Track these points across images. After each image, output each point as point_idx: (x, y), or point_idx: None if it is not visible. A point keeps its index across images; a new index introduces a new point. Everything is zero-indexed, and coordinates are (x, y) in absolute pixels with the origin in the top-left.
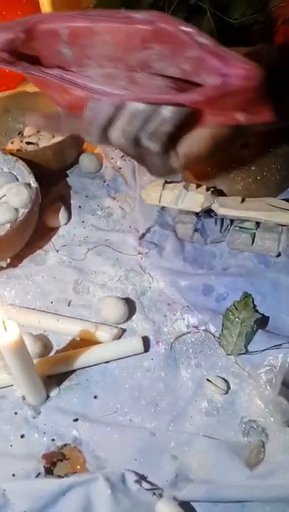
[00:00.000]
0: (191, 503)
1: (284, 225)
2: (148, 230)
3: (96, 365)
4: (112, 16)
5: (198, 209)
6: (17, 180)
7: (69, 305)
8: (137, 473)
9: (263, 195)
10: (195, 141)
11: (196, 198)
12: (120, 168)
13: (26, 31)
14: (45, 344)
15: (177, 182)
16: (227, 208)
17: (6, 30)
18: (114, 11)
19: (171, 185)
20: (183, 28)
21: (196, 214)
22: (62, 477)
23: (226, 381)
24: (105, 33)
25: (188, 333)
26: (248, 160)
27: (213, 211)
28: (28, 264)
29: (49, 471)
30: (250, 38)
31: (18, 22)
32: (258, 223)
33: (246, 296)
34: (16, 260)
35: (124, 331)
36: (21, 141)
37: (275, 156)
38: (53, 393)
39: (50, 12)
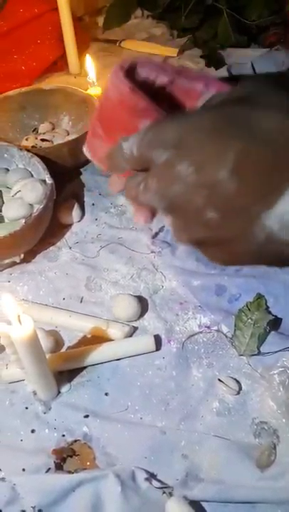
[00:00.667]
0: (201, 502)
1: None
2: (161, 229)
3: (107, 362)
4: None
5: None
6: (32, 176)
7: (81, 302)
8: (147, 472)
9: None
10: None
11: None
12: None
13: (172, 81)
14: (57, 340)
15: None
16: None
17: (162, 73)
18: None
19: None
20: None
21: None
22: (72, 473)
23: (237, 382)
24: None
25: (200, 332)
26: None
27: None
28: (41, 260)
29: (59, 467)
30: (267, 39)
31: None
32: None
33: (259, 297)
34: (29, 256)
35: (135, 329)
36: (36, 138)
37: None
38: (64, 389)
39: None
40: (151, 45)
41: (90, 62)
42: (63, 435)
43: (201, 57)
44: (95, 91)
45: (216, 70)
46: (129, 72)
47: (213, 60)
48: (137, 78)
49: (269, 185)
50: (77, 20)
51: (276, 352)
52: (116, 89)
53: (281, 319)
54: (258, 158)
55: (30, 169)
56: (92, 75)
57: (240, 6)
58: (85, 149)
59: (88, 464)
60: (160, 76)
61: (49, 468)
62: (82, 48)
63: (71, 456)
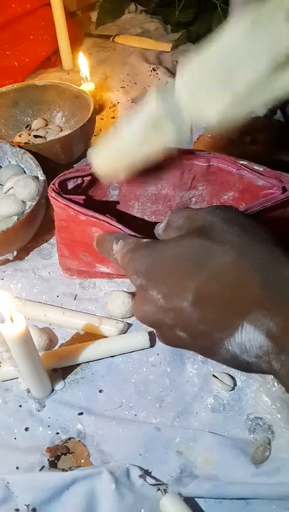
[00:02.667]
0: (196, 499)
1: None
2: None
3: (101, 359)
4: (178, 149)
5: None
6: (24, 172)
7: (75, 299)
8: (141, 468)
9: None
10: None
11: None
12: None
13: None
14: (51, 337)
15: None
16: None
17: (77, 174)
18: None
19: None
20: (239, 161)
21: None
22: (67, 471)
23: (232, 377)
24: (162, 168)
25: None
26: (257, 156)
27: None
28: (35, 257)
29: (53, 465)
30: None
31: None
32: None
33: None
34: (22, 253)
35: (130, 325)
36: (29, 134)
37: (283, 155)
38: (58, 387)
39: None
40: (144, 40)
41: (82, 58)
42: (57, 433)
43: None
44: (88, 87)
45: None
46: (62, 186)
47: None
48: (69, 187)
49: (226, 318)
50: (70, 15)
51: None
52: (59, 211)
53: None
54: (214, 294)
55: (22, 166)
56: (84, 70)
57: None
58: (61, 273)
59: (82, 461)
60: (85, 177)
61: (43, 466)
62: (75, 44)
63: (65, 454)
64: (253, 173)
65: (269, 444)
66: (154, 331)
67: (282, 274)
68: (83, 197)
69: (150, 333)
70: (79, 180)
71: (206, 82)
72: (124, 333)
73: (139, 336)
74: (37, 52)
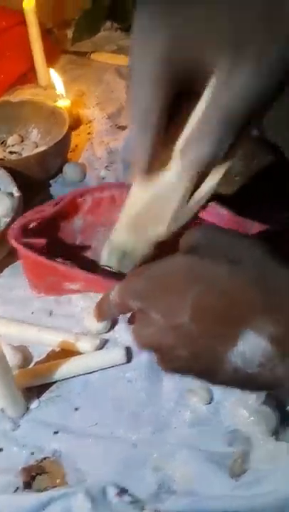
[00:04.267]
0: None
1: None
2: None
3: (78, 376)
4: None
5: None
6: None
7: (50, 315)
8: (118, 486)
9: None
10: None
11: None
12: (104, 178)
13: (57, 212)
14: (25, 355)
15: None
16: None
17: (38, 216)
18: None
19: None
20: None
21: None
22: (42, 491)
23: (209, 391)
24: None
25: None
26: (232, 170)
27: None
28: (10, 274)
29: (28, 486)
30: None
31: (51, 203)
32: None
33: None
34: None
35: (106, 341)
36: (4, 151)
37: (259, 168)
38: (33, 405)
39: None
40: (120, 57)
41: (55, 76)
42: (32, 453)
43: None
44: (64, 103)
45: None
46: (24, 229)
47: None
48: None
49: (226, 329)
50: (46, 32)
51: None
52: (21, 251)
53: None
54: (211, 306)
55: None
56: (59, 87)
57: None
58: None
59: (58, 481)
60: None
61: (17, 488)
62: (51, 61)
63: (40, 474)
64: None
65: (247, 456)
66: (153, 354)
67: (276, 278)
68: (45, 240)
69: (127, 349)
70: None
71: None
72: (101, 349)
73: (116, 351)
74: (13, 69)
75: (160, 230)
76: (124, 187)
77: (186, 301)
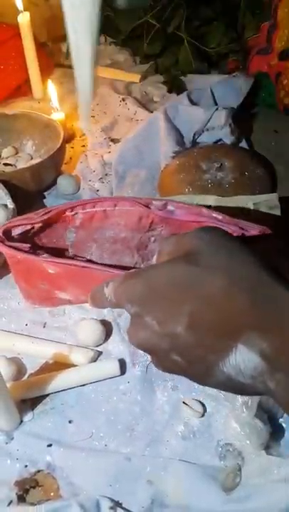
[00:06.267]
0: None
1: None
2: None
3: (71, 388)
4: (134, 199)
5: None
6: None
7: (44, 327)
8: (112, 500)
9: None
10: None
11: None
12: (98, 191)
13: (44, 221)
14: (19, 367)
15: None
16: None
17: (23, 222)
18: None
19: None
20: (202, 209)
21: None
22: (35, 504)
23: (202, 404)
24: (119, 215)
25: None
26: (224, 181)
27: None
28: (4, 286)
29: (21, 499)
30: (226, 66)
31: (39, 213)
32: None
33: None
34: None
35: (100, 353)
36: None
37: (249, 179)
38: (27, 418)
39: (82, 200)
40: (114, 71)
41: (52, 88)
42: (26, 466)
43: (163, 83)
44: (58, 116)
45: (178, 95)
46: (7, 234)
47: (175, 86)
48: (14, 235)
49: (220, 341)
50: (40, 46)
51: None
52: (7, 253)
53: None
54: (207, 319)
55: None
56: (54, 100)
57: (200, 34)
58: (24, 300)
59: (52, 494)
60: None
61: (11, 501)
62: (45, 74)
63: (34, 487)
64: (213, 219)
65: (239, 470)
66: (150, 358)
67: (271, 295)
68: (28, 245)
69: (120, 361)
70: (28, 227)
71: None
72: (95, 361)
73: (110, 363)
74: (7, 82)
75: None
76: (117, 201)
77: (183, 311)
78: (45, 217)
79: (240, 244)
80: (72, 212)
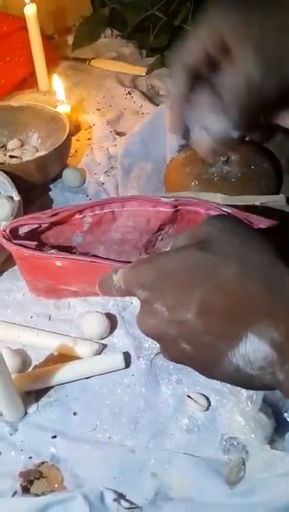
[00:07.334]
0: None
1: None
2: None
3: (76, 381)
4: (143, 198)
5: None
6: None
7: (49, 319)
8: (116, 492)
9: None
10: None
11: None
12: (103, 183)
13: (52, 222)
14: (24, 359)
15: None
16: None
17: (30, 222)
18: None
19: None
20: (211, 204)
21: None
22: (40, 496)
23: (206, 398)
24: (127, 217)
25: None
26: (230, 175)
27: None
28: (9, 278)
29: (26, 490)
30: None
31: (47, 213)
32: None
33: None
34: None
35: (105, 346)
36: (4, 155)
37: (255, 173)
38: (32, 409)
39: (94, 201)
40: (120, 64)
41: (57, 81)
42: (30, 457)
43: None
44: (64, 108)
45: None
46: (14, 232)
47: None
48: (20, 233)
49: (230, 329)
50: (46, 38)
51: None
52: (13, 252)
53: None
54: (218, 306)
55: None
56: (60, 93)
57: None
58: (30, 293)
59: (56, 485)
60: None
61: (15, 492)
62: (51, 66)
63: (38, 479)
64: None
65: (243, 464)
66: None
67: (284, 284)
68: (35, 243)
69: (125, 354)
70: (34, 226)
71: None
72: (99, 354)
73: (114, 356)
74: (13, 74)
75: None
76: (125, 201)
77: (194, 297)
78: (53, 219)
79: (253, 232)
80: (81, 215)
